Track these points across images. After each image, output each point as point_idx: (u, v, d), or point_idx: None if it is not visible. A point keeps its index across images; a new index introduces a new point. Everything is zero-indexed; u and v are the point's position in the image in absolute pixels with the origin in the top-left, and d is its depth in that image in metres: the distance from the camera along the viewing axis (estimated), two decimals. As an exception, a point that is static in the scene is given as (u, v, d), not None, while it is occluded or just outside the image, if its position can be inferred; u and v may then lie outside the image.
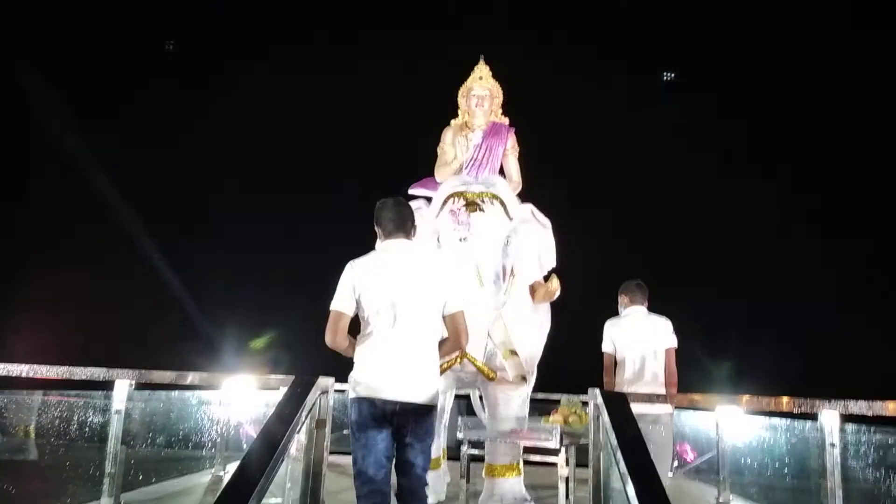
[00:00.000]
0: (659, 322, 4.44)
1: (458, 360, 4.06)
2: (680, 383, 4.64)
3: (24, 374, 3.56)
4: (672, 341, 4.39)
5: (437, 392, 2.89)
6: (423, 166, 5.68)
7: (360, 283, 2.86)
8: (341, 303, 2.87)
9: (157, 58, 13.23)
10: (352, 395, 2.84)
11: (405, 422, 2.78)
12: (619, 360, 4.47)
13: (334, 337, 2.85)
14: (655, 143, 12.44)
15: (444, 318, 2.93)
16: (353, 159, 12.61)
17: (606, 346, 4.61)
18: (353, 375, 2.88)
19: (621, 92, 12.74)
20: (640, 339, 4.41)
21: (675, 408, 5.98)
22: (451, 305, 2.93)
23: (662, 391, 4.29)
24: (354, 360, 2.89)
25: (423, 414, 2.81)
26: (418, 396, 2.80)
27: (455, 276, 3.07)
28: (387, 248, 2.99)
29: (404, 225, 3.02)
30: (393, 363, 2.80)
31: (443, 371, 4.08)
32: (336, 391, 3.37)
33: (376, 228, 3.08)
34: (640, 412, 3.62)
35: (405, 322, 2.83)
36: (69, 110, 11.26)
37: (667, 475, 4.24)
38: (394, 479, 2.89)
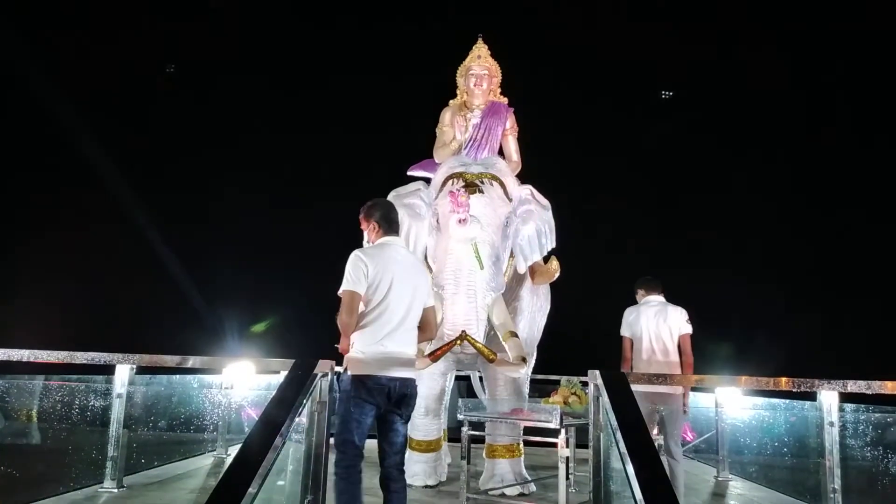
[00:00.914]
0: (674, 311, 4.60)
1: (459, 341, 4.07)
2: None
3: (25, 359, 3.56)
4: (686, 328, 4.56)
5: None
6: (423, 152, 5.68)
7: (371, 271, 3.08)
8: (356, 285, 3.06)
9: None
10: (354, 371, 3.02)
11: (404, 395, 3.11)
12: (635, 344, 4.67)
13: (351, 315, 3.05)
14: (656, 126, 12.39)
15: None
16: (351, 150, 12.57)
17: (624, 331, 4.79)
18: (355, 355, 3.04)
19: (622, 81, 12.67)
20: (654, 325, 4.59)
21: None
22: (429, 301, 3.31)
23: (675, 372, 4.49)
24: (356, 341, 3.07)
25: (415, 388, 3.20)
26: (413, 373, 3.18)
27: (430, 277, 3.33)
28: (390, 244, 3.25)
29: (397, 225, 3.36)
30: (397, 344, 3.09)
31: (442, 353, 4.11)
32: (336, 374, 3.38)
33: (370, 224, 3.30)
34: (654, 390, 4.23)
35: (404, 309, 3.13)
36: (70, 102, 11.21)
37: (678, 445, 4.48)
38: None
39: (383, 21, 12.85)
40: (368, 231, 3.32)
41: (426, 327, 3.29)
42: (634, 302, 4.83)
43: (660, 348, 4.55)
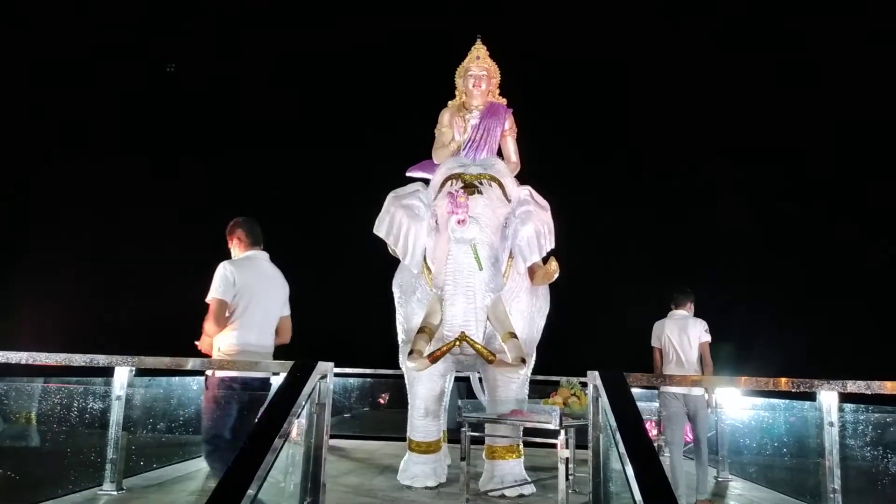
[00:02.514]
0: (694, 323, 5.15)
1: (458, 342, 4.07)
2: None
3: (23, 362, 3.55)
4: (705, 337, 5.10)
5: None
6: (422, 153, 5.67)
7: (238, 281, 3.47)
8: (224, 294, 3.44)
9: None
10: (221, 373, 3.39)
11: (263, 392, 3.48)
12: (663, 354, 5.24)
13: (218, 321, 3.44)
14: (656, 124, 12.39)
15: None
16: (348, 151, 12.57)
17: (654, 342, 5.34)
18: (219, 357, 3.46)
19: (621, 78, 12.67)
20: (677, 337, 5.15)
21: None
22: (286, 309, 3.78)
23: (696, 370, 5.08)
24: (220, 344, 3.47)
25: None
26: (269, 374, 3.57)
27: (288, 288, 3.81)
28: (255, 256, 3.67)
29: (261, 238, 3.74)
30: (256, 347, 3.51)
31: (441, 354, 4.10)
32: (336, 375, 3.39)
33: (233, 240, 3.71)
34: (680, 391, 4.95)
35: (263, 315, 3.56)
36: (72, 105, 11.20)
37: (704, 444, 5.07)
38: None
39: (382, 21, 12.85)
40: (233, 246, 3.72)
41: (281, 333, 3.76)
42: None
43: (684, 359, 5.08)
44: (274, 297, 3.64)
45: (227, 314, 3.47)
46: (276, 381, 3.13)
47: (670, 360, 5.15)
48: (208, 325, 3.44)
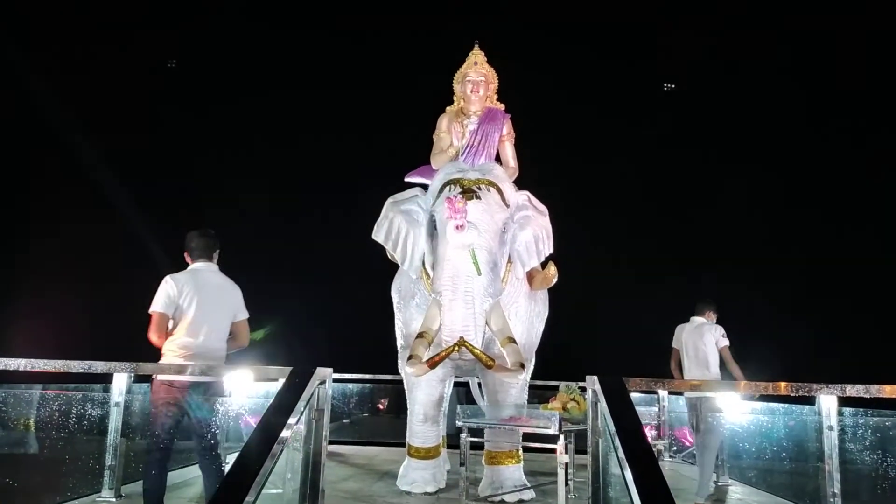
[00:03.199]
0: (708, 329, 5.47)
1: (457, 348, 4.06)
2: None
3: (22, 368, 3.54)
4: (722, 342, 5.41)
5: None
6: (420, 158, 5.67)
7: (180, 293, 3.74)
8: (165, 307, 3.72)
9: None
10: (163, 379, 3.61)
11: (207, 398, 3.73)
12: (682, 356, 5.61)
13: (159, 332, 3.70)
14: (656, 128, 12.41)
15: (234, 323, 3.98)
16: (351, 155, 12.57)
17: (674, 344, 5.76)
18: (164, 363, 3.70)
19: (621, 79, 12.68)
20: (692, 342, 5.51)
21: (671, 393, 7.06)
22: (240, 315, 4.01)
23: (712, 375, 5.38)
24: (166, 352, 3.72)
25: (218, 390, 3.87)
26: (215, 378, 3.76)
27: (240, 292, 4.07)
28: (198, 269, 3.93)
29: (208, 251, 3.98)
30: (201, 354, 3.73)
31: (440, 360, 4.10)
32: (334, 380, 3.39)
33: (186, 253, 4.00)
34: (697, 394, 5.29)
35: (208, 323, 3.79)
36: (69, 109, 11.19)
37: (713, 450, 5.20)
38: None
39: (380, 26, 12.88)
40: (186, 258, 4.02)
41: (237, 337, 4.01)
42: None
43: (699, 362, 5.41)
44: (219, 304, 3.89)
45: (171, 324, 3.76)
46: (275, 387, 3.13)
47: (686, 364, 5.53)
48: (151, 335, 3.71)
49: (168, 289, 3.74)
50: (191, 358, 3.70)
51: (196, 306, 3.76)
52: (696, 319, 5.63)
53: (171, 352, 3.72)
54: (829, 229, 11.17)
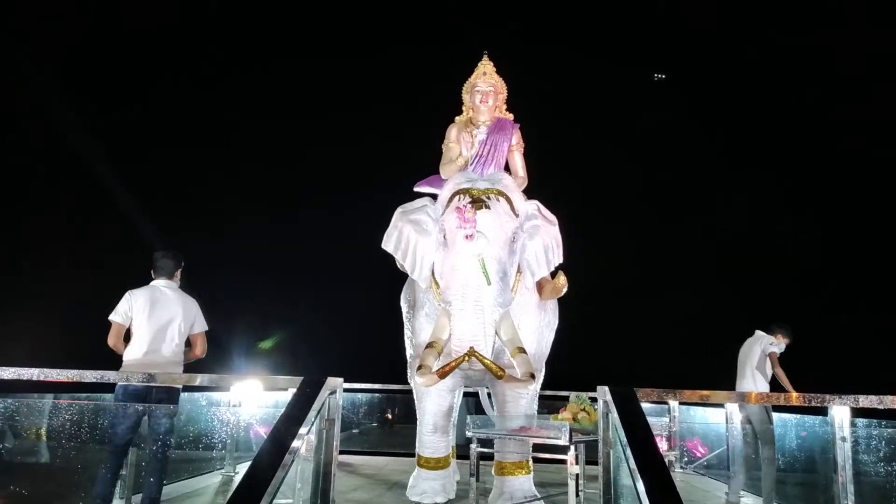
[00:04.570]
0: (760, 338, 5.73)
1: (467, 358, 4.06)
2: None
3: (34, 378, 3.57)
4: (769, 349, 5.60)
5: None
6: (429, 168, 5.69)
7: (134, 307, 4.24)
8: (123, 318, 4.23)
9: (162, 61, 13.26)
10: (121, 381, 3.94)
11: (160, 400, 4.08)
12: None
13: (116, 340, 4.23)
14: (662, 138, 12.40)
15: (191, 335, 4.43)
16: (358, 166, 12.62)
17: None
18: (123, 368, 4.11)
19: (625, 86, 12.70)
20: (743, 353, 5.81)
21: (682, 403, 7.19)
22: (197, 327, 4.44)
23: (757, 387, 5.58)
24: (125, 358, 4.18)
25: (169, 395, 4.18)
26: (168, 383, 4.13)
27: (199, 309, 4.50)
28: (154, 285, 4.40)
29: (166, 269, 4.45)
30: (154, 361, 4.16)
31: (451, 370, 4.09)
32: (344, 390, 3.38)
33: (152, 270, 4.48)
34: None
35: (161, 334, 4.23)
36: (72, 110, 11.27)
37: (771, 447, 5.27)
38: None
39: (390, 40, 12.96)
40: (153, 275, 4.47)
41: (194, 348, 4.45)
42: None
43: (741, 372, 5.70)
44: (172, 318, 4.30)
45: (126, 333, 4.27)
46: (283, 397, 3.15)
47: (738, 373, 5.80)
48: (108, 340, 4.24)
49: (124, 302, 4.26)
50: (143, 366, 4.11)
51: (148, 319, 4.23)
52: (759, 333, 5.81)
53: (127, 360, 4.18)
54: (844, 238, 11.10)
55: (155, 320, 4.25)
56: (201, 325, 4.48)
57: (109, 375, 3.60)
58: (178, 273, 4.54)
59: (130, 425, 3.99)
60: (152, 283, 4.42)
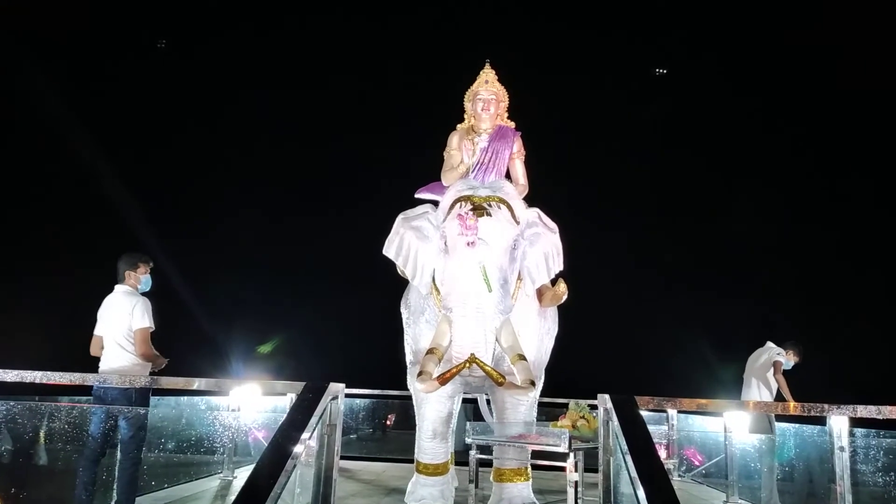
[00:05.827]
0: (769, 348, 5.91)
1: (468, 364, 4.07)
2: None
3: (37, 381, 3.58)
4: (775, 358, 5.80)
5: None
6: (430, 175, 5.71)
7: (100, 314, 4.52)
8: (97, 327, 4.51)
9: (150, 56, 13.26)
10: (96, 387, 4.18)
11: (115, 400, 4.18)
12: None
13: (94, 349, 4.48)
14: (662, 144, 12.44)
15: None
16: (360, 171, 12.65)
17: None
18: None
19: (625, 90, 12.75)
20: (749, 365, 6.02)
21: (681, 412, 7.05)
22: (134, 325, 4.44)
23: (761, 397, 5.79)
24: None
25: (124, 395, 4.22)
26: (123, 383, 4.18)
27: (137, 306, 4.50)
28: (114, 290, 4.58)
29: (118, 273, 4.61)
30: (114, 360, 4.36)
31: (451, 376, 4.10)
32: (346, 396, 3.40)
33: None
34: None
35: (110, 341, 4.40)
36: (66, 109, 11.26)
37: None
38: None
39: (391, 45, 13.01)
40: None
41: (135, 345, 4.44)
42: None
43: (747, 382, 5.93)
44: (116, 321, 4.42)
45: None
46: (282, 402, 3.17)
47: (745, 382, 6.00)
48: (93, 351, 4.51)
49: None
50: (105, 373, 4.31)
51: (102, 326, 4.48)
52: (769, 344, 5.96)
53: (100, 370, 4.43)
54: (843, 248, 11.13)
55: (103, 326, 4.46)
56: (139, 322, 4.42)
57: (112, 379, 3.61)
58: (133, 274, 4.60)
59: (100, 425, 4.15)
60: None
